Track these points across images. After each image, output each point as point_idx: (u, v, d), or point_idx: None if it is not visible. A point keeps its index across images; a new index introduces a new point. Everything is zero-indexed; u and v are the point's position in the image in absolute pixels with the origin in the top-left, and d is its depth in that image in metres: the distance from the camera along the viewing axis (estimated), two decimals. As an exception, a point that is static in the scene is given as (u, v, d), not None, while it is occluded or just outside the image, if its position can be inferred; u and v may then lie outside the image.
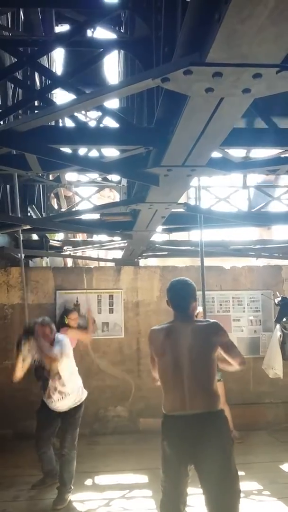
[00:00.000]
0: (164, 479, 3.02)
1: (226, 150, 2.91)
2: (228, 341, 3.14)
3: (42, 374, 4.50)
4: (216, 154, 2.89)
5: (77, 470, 4.66)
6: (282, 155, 2.98)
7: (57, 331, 4.79)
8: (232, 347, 3.15)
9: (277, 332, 6.64)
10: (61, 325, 6.13)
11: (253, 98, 1.83)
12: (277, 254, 7.13)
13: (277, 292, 7.03)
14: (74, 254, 6.97)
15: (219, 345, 3.07)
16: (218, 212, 5.62)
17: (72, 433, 4.52)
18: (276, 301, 6.87)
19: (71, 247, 6.72)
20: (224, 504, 2.86)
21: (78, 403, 4.57)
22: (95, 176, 5.93)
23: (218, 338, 3.08)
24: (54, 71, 4.62)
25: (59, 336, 4.63)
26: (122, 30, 3.82)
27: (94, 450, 6.07)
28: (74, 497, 4.58)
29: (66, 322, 6.27)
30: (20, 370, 4.47)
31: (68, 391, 4.49)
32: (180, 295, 3.15)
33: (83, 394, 4.66)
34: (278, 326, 6.69)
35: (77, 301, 6.89)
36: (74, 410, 4.53)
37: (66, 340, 4.57)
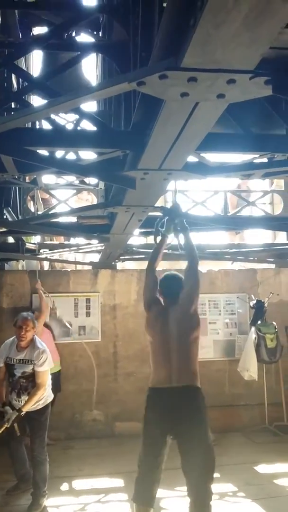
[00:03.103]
0: (142, 452, 3.29)
1: (202, 154, 2.94)
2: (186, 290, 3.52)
3: (14, 373, 4.46)
4: (192, 159, 2.92)
5: (52, 474, 4.62)
6: (256, 160, 3.03)
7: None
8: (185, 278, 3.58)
9: (252, 334, 6.74)
10: None
11: (227, 103, 1.86)
12: (252, 258, 7.22)
13: (252, 295, 7.14)
14: (51, 257, 6.92)
15: (185, 293, 3.49)
16: (194, 215, 5.66)
17: (40, 436, 4.49)
18: (251, 304, 6.98)
19: (47, 250, 6.67)
20: (201, 471, 3.17)
21: (42, 405, 4.50)
22: (72, 179, 5.91)
23: (191, 306, 3.47)
24: (31, 73, 4.60)
25: (41, 341, 4.57)
26: (100, 34, 3.84)
27: (69, 455, 6.03)
28: (49, 502, 4.54)
29: None
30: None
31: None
32: (172, 285, 3.61)
33: (49, 397, 4.61)
34: (253, 328, 6.79)
35: (53, 304, 6.83)
36: (39, 413, 4.48)
37: (49, 351, 4.54)
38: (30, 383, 4.41)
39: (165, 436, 3.26)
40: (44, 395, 4.50)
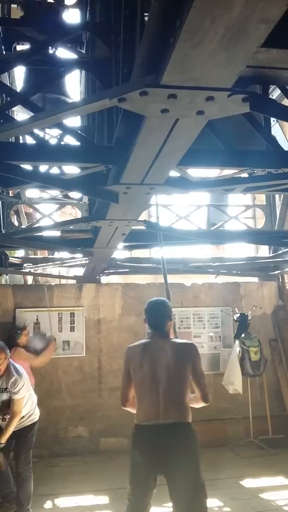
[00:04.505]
0: (131, 491, 3.09)
1: (183, 169, 2.98)
2: (200, 368, 3.27)
3: None
4: (174, 173, 2.96)
5: (36, 493, 4.55)
6: (237, 175, 3.08)
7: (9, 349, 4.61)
8: (202, 376, 3.27)
9: (236, 348, 6.76)
10: (12, 344, 5.77)
11: (207, 120, 1.90)
12: (235, 272, 7.28)
13: (236, 309, 7.17)
14: (34, 272, 6.89)
15: (191, 368, 3.20)
16: (178, 229, 5.71)
17: (26, 453, 4.43)
18: (235, 317, 7.01)
19: (31, 264, 6.64)
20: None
21: (30, 423, 4.45)
22: (56, 193, 5.92)
23: (193, 359, 3.23)
24: (14, 88, 4.63)
25: (16, 367, 4.43)
26: (83, 51, 3.89)
27: (53, 472, 5.94)
28: (32, 521, 4.46)
29: (19, 338, 6.04)
30: None
31: (23, 415, 4.40)
32: (157, 315, 3.36)
33: (35, 415, 4.54)
34: (237, 342, 6.81)
35: (37, 319, 6.78)
36: (26, 430, 4.43)
37: (25, 375, 4.46)
38: (7, 412, 4.31)
39: (154, 476, 3.07)
40: (30, 412, 4.45)
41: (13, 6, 4.40)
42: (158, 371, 3.16)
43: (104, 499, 5.04)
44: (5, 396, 4.32)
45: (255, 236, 6.09)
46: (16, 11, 4.27)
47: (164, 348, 3.24)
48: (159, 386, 3.12)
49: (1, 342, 4.56)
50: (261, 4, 1.25)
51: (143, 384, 3.18)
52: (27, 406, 4.46)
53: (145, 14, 2.27)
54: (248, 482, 5.51)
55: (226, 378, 6.73)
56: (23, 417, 4.41)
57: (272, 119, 3.36)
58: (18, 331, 6.13)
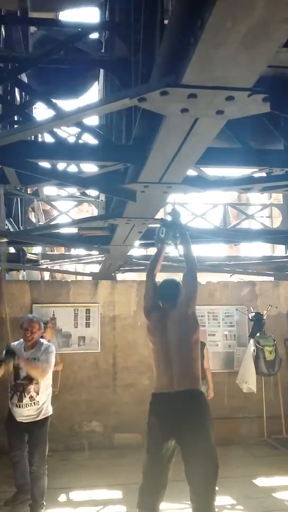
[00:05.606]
0: (146, 458, 3.31)
1: (201, 168, 2.99)
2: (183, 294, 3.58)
3: (18, 375, 4.48)
4: (192, 172, 2.97)
5: (50, 486, 4.60)
6: (255, 175, 3.08)
7: None
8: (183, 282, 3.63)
9: (251, 347, 6.74)
10: None
11: (226, 119, 1.91)
12: (251, 271, 7.25)
13: (251, 308, 7.15)
14: (51, 268, 6.96)
15: (183, 297, 3.55)
16: (194, 228, 5.70)
17: (41, 450, 4.46)
18: (250, 317, 6.99)
19: (48, 260, 6.71)
20: (202, 476, 3.19)
21: (42, 417, 4.49)
22: (74, 190, 5.96)
23: (189, 309, 3.53)
24: (34, 87, 4.67)
25: (46, 342, 4.67)
26: (102, 50, 3.91)
27: (67, 466, 6.01)
28: (47, 514, 4.52)
29: (44, 332, 6.11)
30: None
31: (39, 400, 4.46)
32: (168, 290, 3.69)
33: (48, 409, 4.59)
34: (252, 341, 6.80)
35: (53, 315, 6.85)
36: (39, 426, 4.47)
37: (53, 348, 4.61)
38: (32, 386, 4.42)
39: (168, 441, 3.26)
40: (46, 403, 4.52)
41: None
42: (171, 343, 3.43)
43: (117, 494, 5.09)
44: None
45: (271, 236, 6.06)
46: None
47: (174, 320, 3.50)
48: (172, 357, 3.39)
49: (37, 315, 4.88)
50: (283, 4, 1.24)
51: (159, 355, 3.49)
52: (44, 394, 4.51)
53: (165, 14, 2.29)
54: (261, 481, 5.51)
55: (240, 376, 6.73)
56: (38, 404, 4.45)
57: (291, 118, 3.34)
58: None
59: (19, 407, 4.42)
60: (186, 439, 3.24)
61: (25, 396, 4.41)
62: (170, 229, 3.72)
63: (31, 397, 4.42)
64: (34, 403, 4.43)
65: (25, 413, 4.43)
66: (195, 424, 3.25)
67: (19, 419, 4.45)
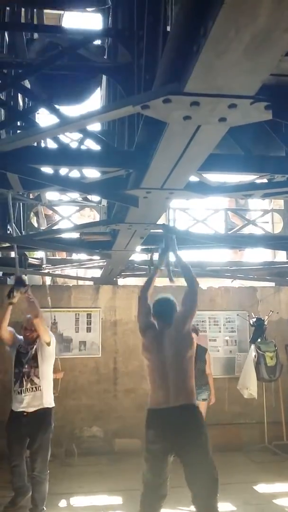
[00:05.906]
0: (145, 471, 3.38)
1: (203, 174, 3.00)
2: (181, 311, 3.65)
3: (22, 363, 4.55)
4: (193, 178, 2.98)
5: (50, 491, 4.58)
6: (257, 181, 3.09)
7: None
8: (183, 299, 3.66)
9: (252, 352, 6.73)
10: None
11: (228, 127, 1.92)
12: (252, 276, 7.25)
13: (252, 313, 7.15)
14: (53, 272, 6.96)
15: (181, 314, 3.61)
16: (195, 233, 5.72)
17: (43, 455, 4.44)
18: (251, 322, 6.98)
19: (50, 265, 6.71)
20: (204, 482, 3.30)
21: (46, 407, 4.50)
22: (76, 195, 5.98)
23: (185, 326, 3.57)
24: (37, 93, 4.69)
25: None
26: (105, 56, 3.94)
27: (68, 471, 5.98)
28: (47, 519, 4.50)
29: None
30: (5, 321, 4.80)
31: (41, 385, 4.50)
32: (163, 308, 3.72)
33: (51, 401, 4.61)
34: (253, 346, 6.78)
35: (54, 319, 6.86)
36: (42, 431, 4.46)
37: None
38: (33, 369, 4.51)
39: (167, 455, 3.35)
40: (49, 393, 4.58)
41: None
42: (167, 360, 3.48)
43: (117, 500, 5.07)
44: (34, 349, 4.61)
45: (272, 241, 6.07)
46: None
47: (170, 337, 3.55)
48: (168, 373, 3.44)
49: None
50: (286, 13, 1.25)
51: (155, 371, 3.55)
52: (46, 380, 4.57)
53: (168, 21, 2.31)
54: (262, 487, 5.48)
55: (241, 382, 6.71)
56: (40, 390, 4.49)
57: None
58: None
59: (20, 393, 4.47)
60: (186, 450, 3.33)
61: (26, 380, 4.49)
62: (163, 255, 3.88)
63: (32, 381, 4.48)
64: (36, 387, 4.48)
65: (26, 399, 4.45)
66: (193, 436, 3.35)
67: (20, 408, 4.46)
